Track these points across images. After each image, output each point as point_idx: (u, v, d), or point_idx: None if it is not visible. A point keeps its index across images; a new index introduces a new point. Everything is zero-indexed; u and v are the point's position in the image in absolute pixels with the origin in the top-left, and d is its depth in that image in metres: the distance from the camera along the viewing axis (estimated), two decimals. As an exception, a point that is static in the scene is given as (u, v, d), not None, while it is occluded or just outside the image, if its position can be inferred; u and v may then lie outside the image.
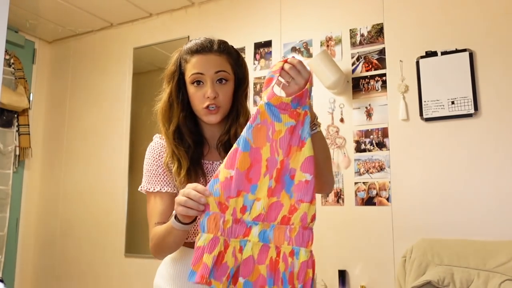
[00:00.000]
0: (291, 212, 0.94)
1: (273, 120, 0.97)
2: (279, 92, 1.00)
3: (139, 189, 1.24)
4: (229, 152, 0.97)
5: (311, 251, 0.92)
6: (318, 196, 2.54)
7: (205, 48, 1.17)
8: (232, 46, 1.24)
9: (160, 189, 1.18)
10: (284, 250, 0.92)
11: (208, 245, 0.92)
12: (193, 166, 1.17)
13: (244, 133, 0.97)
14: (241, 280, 0.93)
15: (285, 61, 0.99)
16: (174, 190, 1.19)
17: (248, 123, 0.98)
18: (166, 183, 1.19)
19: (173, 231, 1.05)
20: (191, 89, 1.18)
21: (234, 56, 1.22)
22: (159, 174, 1.20)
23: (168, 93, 1.21)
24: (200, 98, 1.16)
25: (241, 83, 1.23)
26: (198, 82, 1.17)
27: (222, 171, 0.96)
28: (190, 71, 1.17)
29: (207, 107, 1.16)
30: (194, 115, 1.23)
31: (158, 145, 1.24)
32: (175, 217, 1.02)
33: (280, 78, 0.99)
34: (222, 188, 0.94)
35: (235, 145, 0.97)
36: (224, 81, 1.17)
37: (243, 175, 0.95)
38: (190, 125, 1.22)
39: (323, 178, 1.13)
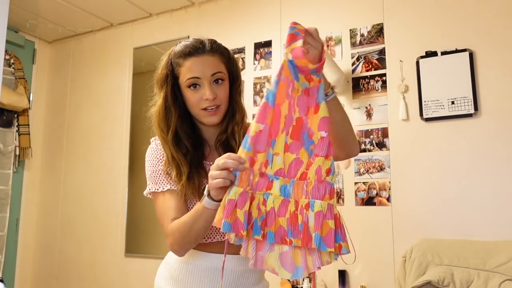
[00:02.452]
0: (308, 167, 0.97)
1: (293, 78, 0.99)
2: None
3: (145, 194, 1.21)
4: (260, 106, 0.98)
5: (329, 204, 0.94)
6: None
7: (197, 50, 1.15)
8: (221, 44, 1.22)
9: (170, 187, 1.16)
10: (302, 203, 0.95)
11: (239, 199, 0.94)
12: (195, 168, 1.15)
13: (272, 87, 0.98)
14: (266, 230, 0.96)
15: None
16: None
17: (275, 77, 0.99)
18: (174, 181, 1.16)
19: (205, 212, 1.01)
20: (188, 92, 1.16)
21: (226, 55, 1.20)
22: (166, 174, 1.17)
23: (164, 98, 1.18)
24: (198, 101, 1.15)
25: (235, 80, 1.23)
26: (194, 86, 1.15)
27: (253, 125, 0.97)
28: (185, 75, 1.15)
29: (206, 108, 1.15)
30: (190, 117, 1.22)
31: (158, 147, 1.22)
32: (208, 195, 0.99)
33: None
34: (252, 142, 0.96)
35: (264, 99, 0.98)
36: (220, 81, 1.17)
37: (268, 130, 0.98)
38: (187, 129, 1.20)
39: (349, 141, 1.14)
